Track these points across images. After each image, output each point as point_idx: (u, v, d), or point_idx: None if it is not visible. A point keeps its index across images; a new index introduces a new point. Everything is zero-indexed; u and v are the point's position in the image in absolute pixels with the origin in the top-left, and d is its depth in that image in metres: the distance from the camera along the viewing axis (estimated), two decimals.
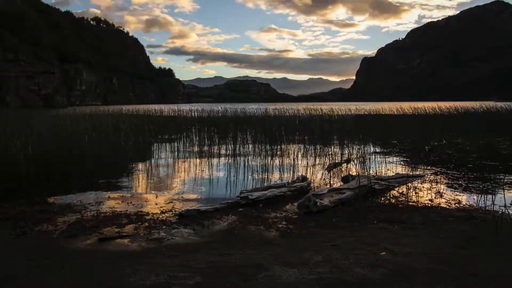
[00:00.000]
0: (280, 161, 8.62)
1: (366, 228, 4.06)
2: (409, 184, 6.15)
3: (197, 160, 9.24)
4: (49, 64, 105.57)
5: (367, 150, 9.79)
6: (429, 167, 7.93)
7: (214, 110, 20.42)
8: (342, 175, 6.84)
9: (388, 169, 7.77)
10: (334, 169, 7.71)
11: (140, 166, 8.48)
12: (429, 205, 5.06)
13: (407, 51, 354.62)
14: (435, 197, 5.46)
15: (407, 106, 24.80)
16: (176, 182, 6.81)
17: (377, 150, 10.59)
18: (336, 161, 8.45)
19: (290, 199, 5.36)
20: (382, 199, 5.41)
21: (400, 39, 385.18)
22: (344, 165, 8.17)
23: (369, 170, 7.55)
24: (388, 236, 3.73)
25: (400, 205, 5.04)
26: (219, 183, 6.67)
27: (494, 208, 4.64)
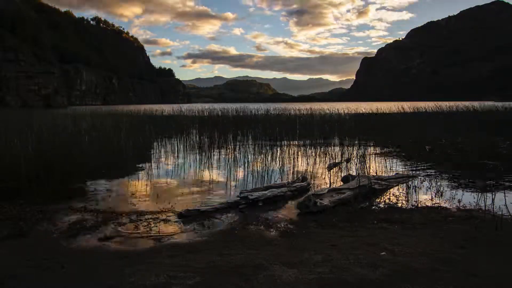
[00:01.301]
0: (280, 161, 8.62)
1: (366, 228, 4.06)
2: (409, 184, 6.15)
3: (197, 160, 9.24)
4: (49, 64, 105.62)
5: (367, 150, 9.79)
6: (429, 167, 7.93)
7: (214, 110, 20.42)
8: (342, 175, 6.84)
9: (388, 169, 7.77)
10: (334, 169, 7.71)
11: (140, 166, 8.47)
12: (429, 205, 5.06)
13: (407, 51, 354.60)
14: (435, 197, 5.46)
15: (407, 106, 24.81)
16: (176, 182, 6.81)
17: (377, 150, 10.58)
18: (336, 161, 8.45)
19: (290, 199, 5.36)
20: (382, 199, 5.41)
21: (400, 39, 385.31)
22: (344, 165, 8.17)
23: (369, 170, 7.55)
24: (388, 236, 3.73)
25: (400, 205, 5.05)
26: (219, 183, 6.66)
27: (494, 208, 4.64)
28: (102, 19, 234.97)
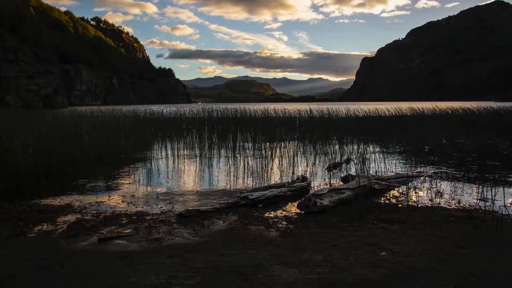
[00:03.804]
0: (280, 161, 8.62)
1: (366, 228, 4.06)
2: (409, 184, 6.15)
3: (197, 160, 9.24)
4: (49, 64, 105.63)
5: (367, 150, 9.79)
6: (429, 167, 7.93)
7: (214, 110, 20.40)
8: (342, 175, 6.84)
9: (388, 169, 7.77)
10: (334, 169, 7.71)
11: (140, 166, 8.47)
12: (429, 205, 5.06)
13: (407, 51, 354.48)
14: (435, 197, 5.46)
15: (407, 106, 24.80)
16: (176, 182, 6.81)
17: (377, 150, 10.59)
18: (336, 161, 8.45)
19: (290, 199, 5.36)
20: (382, 199, 5.41)
21: (400, 39, 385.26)
22: (344, 165, 8.16)
23: (369, 170, 7.54)
24: (388, 236, 3.73)
25: (400, 205, 5.05)
26: (219, 183, 6.67)
27: (494, 208, 4.65)
28: (102, 19, 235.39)
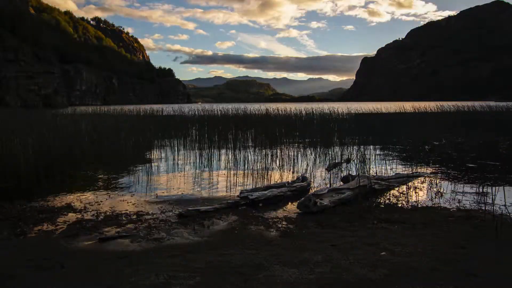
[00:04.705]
0: (280, 161, 8.61)
1: (366, 228, 4.06)
2: (409, 184, 6.15)
3: (197, 160, 9.24)
4: (49, 64, 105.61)
5: (367, 150, 9.79)
6: (429, 167, 7.93)
7: (214, 110, 20.40)
8: (342, 175, 6.84)
9: (388, 169, 7.77)
10: (334, 169, 7.71)
11: (140, 166, 8.47)
12: (429, 205, 5.06)
13: (407, 51, 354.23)
14: (435, 197, 5.46)
15: (407, 106, 24.81)
16: (176, 182, 6.81)
17: (377, 150, 10.58)
18: (336, 161, 8.45)
19: (290, 199, 5.36)
20: (382, 199, 5.41)
21: (400, 39, 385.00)
22: (344, 165, 8.17)
23: (369, 170, 7.54)
24: (388, 236, 3.73)
25: (400, 205, 5.05)
26: (219, 183, 6.66)
27: (494, 208, 4.65)
28: (102, 19, 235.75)
